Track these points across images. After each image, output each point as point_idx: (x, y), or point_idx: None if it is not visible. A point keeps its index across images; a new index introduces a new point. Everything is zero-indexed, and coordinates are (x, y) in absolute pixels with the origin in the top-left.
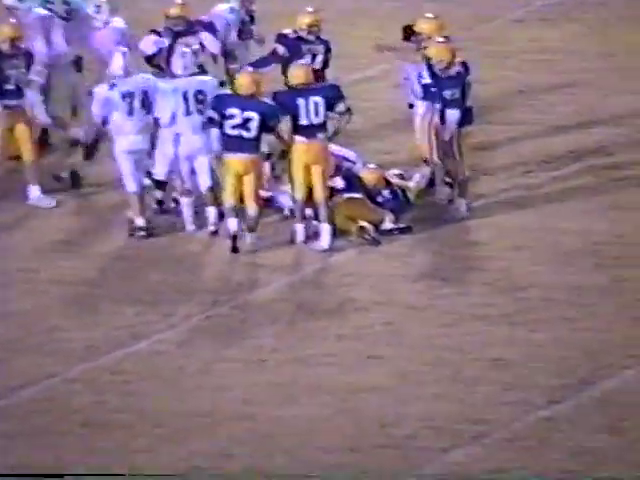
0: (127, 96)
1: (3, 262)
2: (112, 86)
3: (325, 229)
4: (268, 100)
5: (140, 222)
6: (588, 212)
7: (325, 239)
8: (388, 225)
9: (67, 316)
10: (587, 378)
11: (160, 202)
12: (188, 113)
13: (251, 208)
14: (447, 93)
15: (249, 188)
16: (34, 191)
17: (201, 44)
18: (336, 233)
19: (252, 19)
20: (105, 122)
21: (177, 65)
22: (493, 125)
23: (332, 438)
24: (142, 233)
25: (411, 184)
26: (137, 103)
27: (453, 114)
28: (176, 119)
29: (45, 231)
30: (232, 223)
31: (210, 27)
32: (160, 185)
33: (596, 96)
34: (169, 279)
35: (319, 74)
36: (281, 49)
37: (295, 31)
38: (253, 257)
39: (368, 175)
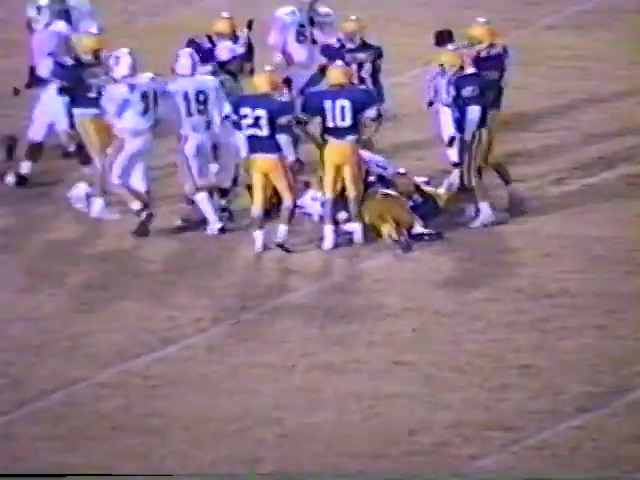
0: (144, 97)
1: (31, 266)
2: (132, 87)
3: (357, 227)
4: (283, 98)
5: (137, 205)
6: (619, 219)
7: (357, 236)
8: (419, 229)
9: (96, 320)
10: (617, 386)
11: (225, 209)
12: (189, 114)
13: (287, 199)
14: (467, 90)
15: (279, 184)
16: (97, 204)
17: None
18: (367, 229)
19: (312, 22)
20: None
21: (182, 66)
22: (525, 132)
23: (360, 444)
24: (145, 212)
25: (441, 190)
26: (152, 103)
27: (474, 110)
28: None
29: (71, 235)
30: (258, 237)
31: (248, 47)
32: (225, 193)
33: (627, 104)
34: (198, 284)
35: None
36: (324, 61)
37: (339, 40)
38: (282, 262)
39: (399, 180)
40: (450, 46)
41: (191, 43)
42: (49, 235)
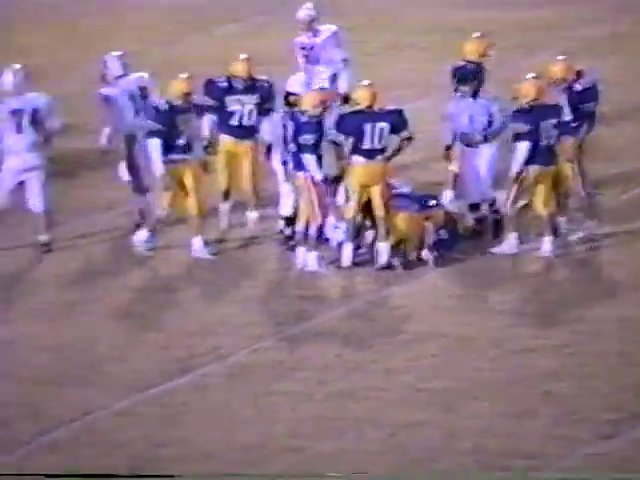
0: (15, 113)
1: (49, 294)
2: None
3: (382, 248)
4: (330, 119)
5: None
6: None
7: (383, 258)
8: (424, 255)
9: (114, 348)
10: (639, 413)
11: (289, 238)
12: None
13: (311, 227)
14: (517, 125)
15: (304, 204)
16: (197, 242)
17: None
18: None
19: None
20: None
21: (114, 69)
22: None
23: (379, 472)
24: None
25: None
26: (26, 121)
27: (522, 147)
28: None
29: (92, 263)
30: (311, 258)
31: (268, 88)
32: (289, 221)
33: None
34: (216, 312)
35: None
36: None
37: (468, 60)
38: (300, 288)
39: (433, 211)
40: (530, 75)
41: (209, 83)
42: (68, 263)
